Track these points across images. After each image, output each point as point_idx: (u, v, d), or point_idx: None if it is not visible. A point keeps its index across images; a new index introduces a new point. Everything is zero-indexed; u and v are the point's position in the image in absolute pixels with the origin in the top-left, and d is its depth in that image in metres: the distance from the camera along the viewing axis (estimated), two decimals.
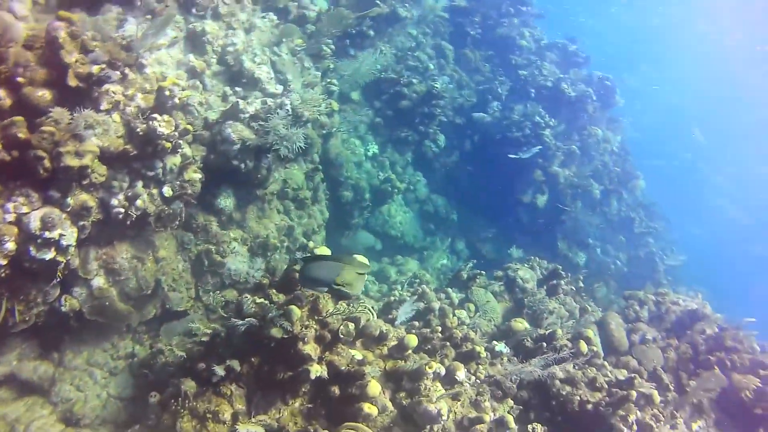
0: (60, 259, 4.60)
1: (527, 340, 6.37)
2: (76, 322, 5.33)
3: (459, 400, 4.79)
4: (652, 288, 9.36)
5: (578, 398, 5.75)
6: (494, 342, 6.11)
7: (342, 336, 4.61)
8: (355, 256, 5.46)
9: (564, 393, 5.77)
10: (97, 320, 5.35)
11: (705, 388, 7.01)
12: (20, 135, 4.23)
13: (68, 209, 4.58)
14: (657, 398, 5.95)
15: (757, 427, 6.92)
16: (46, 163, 4.35)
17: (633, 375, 6.13)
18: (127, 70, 4.93)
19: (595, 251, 13.37)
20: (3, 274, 4.35)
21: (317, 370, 4.32)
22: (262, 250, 6.50)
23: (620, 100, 14.56)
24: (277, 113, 5.88)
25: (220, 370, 4.43)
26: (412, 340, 4.89)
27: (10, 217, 4.31)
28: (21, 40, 4.45)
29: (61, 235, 4.48)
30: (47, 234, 4.40)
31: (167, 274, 5.76)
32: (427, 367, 4.60)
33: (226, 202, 6.22)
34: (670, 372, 7.24)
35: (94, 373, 5.56)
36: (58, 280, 4.84)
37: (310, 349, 4.39)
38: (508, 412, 5.26)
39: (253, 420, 4.36)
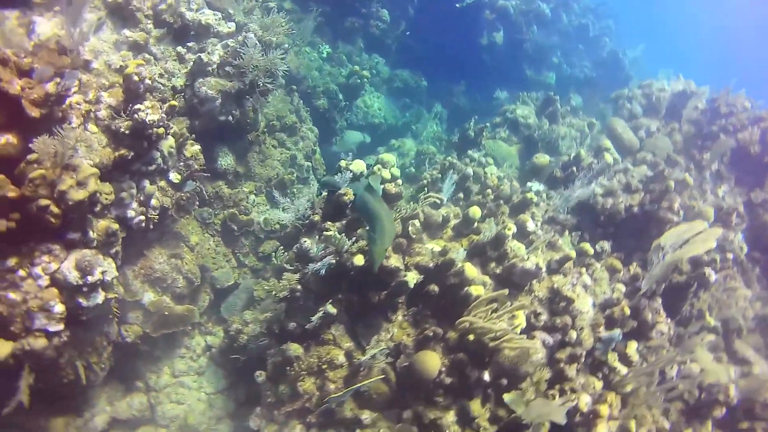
0: (110, 296, 4.42)
1: (557, 171, 6.57)
2: (144, 345, 5.29)
3: (538, 248, 5.02)
4: (636, 82, 9.55)
5: (623, 206, 6.11)
6: (528, 184, 6.29)
7: (414, 236, 4.68)
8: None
9: (609, 206, 6.11)
10: (164, 333, 5.31)
11: (717, 155, 7.52)
12: (10, 195, 3.70)
13: (95, 244, 4.28)
14: (690, 180, 6.37)
15: None
16: (53, 209, 3.88)
17: (660, 168, 6.50)
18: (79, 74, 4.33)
19: (561, 68, 13.47)
20: (65, 338, 4.14)
21: (413, 278, 4.42)
22: (279, 189, 6.35)
23: None
24: (248, 49, 5.39)
25: (317, 319, 4.51)
26: (476, 212, 5.00)
27: (44, 281, 3.97)
28: None
29: (103, 272, 4.21)
30: (90, 278, 4.11)
31: (206, 257, 5.66)
32: (506, 230, 4.74)
33: (227, 160, 5.97)
34: (683, 153, 7.68)
35: (183, 381, 5.62)
36: (117, 315, 4.74)
37: (395, 261, 4.45)
38: (578, 242, 5.60)
39: (368, 348, 4.53)
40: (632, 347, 5.25)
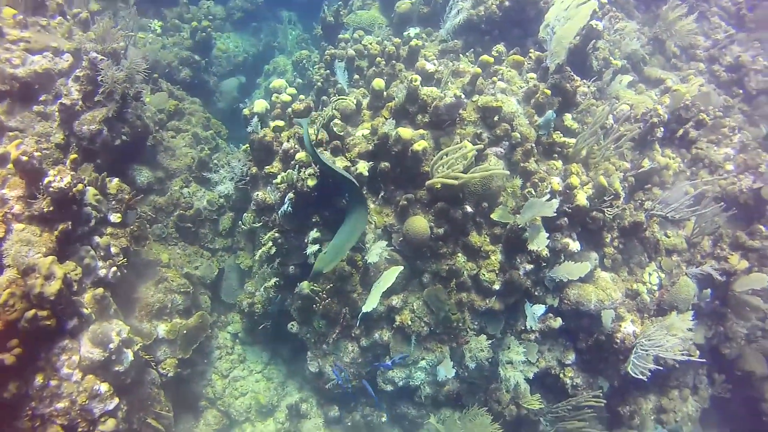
0: (136, 349, 4.69)
1: (422, 9, 6.63)
2: (185, 369, 5.47)
3: (447, 81, 5.25)
4: None
5: (494, 6, 6.31)
6: (405, 33, 6.31)
7: (342, 133, 4.83)
8: None
9: (483, 12, 6.32)
10: (193, 349, 5.48)
11: None
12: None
13: (93, 318, 4.43)
14: None
15: None
16: (42, 313, 3.95)
17: None
18: None
19: None
20: (125, 407, 4.44)
21: (364, 167, 4.67)
22: (203, 170, 6.31)
23: None
24: (102, 70, 5.19)
25: (311, 252, 4.72)
26: (379, 83, 5.18)
27: (77, 375, 4.18)
28: None
29: (118, 333, 4.44)
30: (111, 346, 4.35)
31: (182, 264, 5.74)
32: (413, 83, 4.93)
33: (144, 174, 5.85)
34: None
35: (235, 376, 5.88)
36: (150, 361, 4.99)
37: (341, 162, 4.60)
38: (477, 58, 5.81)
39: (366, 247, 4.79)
40: (568, 118, 5.74)
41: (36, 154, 4.42)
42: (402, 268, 4.72)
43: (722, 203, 6.23)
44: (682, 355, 5.25)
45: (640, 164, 6.07)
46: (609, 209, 5.45)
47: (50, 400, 4.03)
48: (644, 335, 5.34)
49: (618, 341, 5.40)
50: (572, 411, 5.41)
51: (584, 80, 6.08)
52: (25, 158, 4.30)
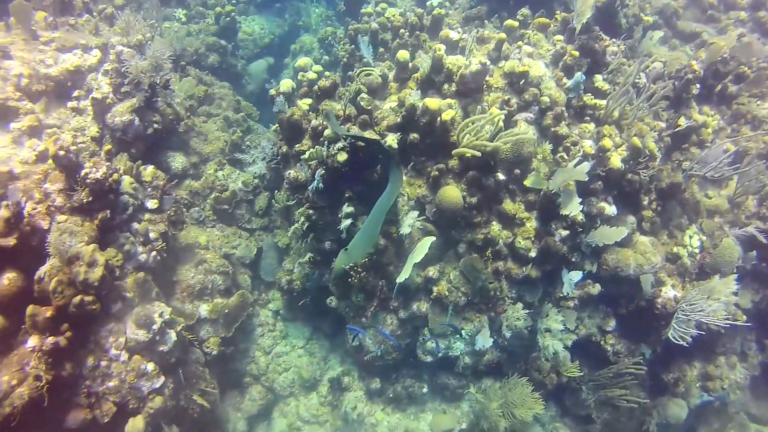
0: (179, 330, 4.88)
1: None
2: (228, 347, 5.63)
3: (472, 49, 5.15)
4: None
5: None
6: (428, 3, 6.19)
7: (369, 107, 4.82)
8: None
9: None
10: (235, 327, 5.63)
11: None
12: (49, 314, 3.97)
13: (136, 301, 4.64)
14: None
15: None
16: (87, 299, 4.17)
17: None
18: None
19: None
20: (171, 384, 4.67)
21: (393, 140, 4.65)
22: (235, 149, 6.40)
23: None
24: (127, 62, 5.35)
25: (344, 226, 4.75)
26: (403, 55, 5.15)
27: (124, 356, 4.42)
28: None
29: (160, 315, 4.65)
30: (155, 327, 4.58)
31: (221, 246, 5.87)
32: (437, 53, 4.86)
33: (178, 161, 6.00)
34: None
35: (277, 352, 6.03)
36: (193, 341, 5.16)
37: (370, 135, 4.59)
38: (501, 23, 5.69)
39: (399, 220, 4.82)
40: (598, 79, 5.56)
41: (72, 148, 4.63)
42: (434, 238, 4.71)
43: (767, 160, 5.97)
44: (725, 319, 5.10)
45: (676, 123, 5.86)
46: (644, 171, 5.30)
47: (102, 379, 4.27)
48: (685, 300, 5.21)
49: (659, 306, 5.29)
50: (613, 378, 5.36)
51: (613, 39, 5.88)
52: (62, 153, 4.51)
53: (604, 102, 5.41)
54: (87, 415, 4.14)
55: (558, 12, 5.85)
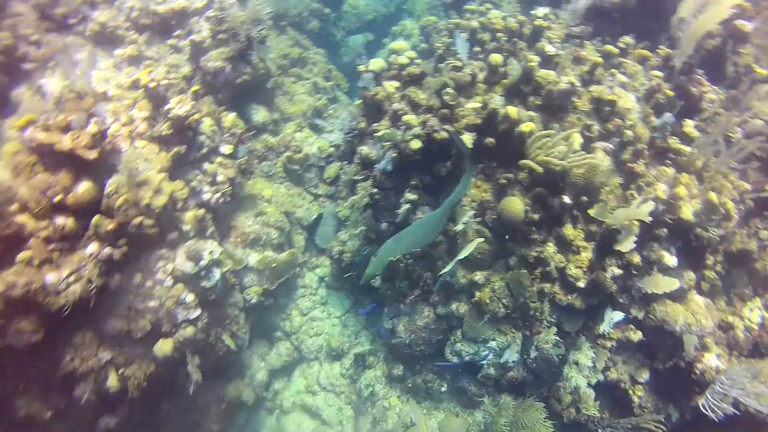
0: (224, 270, 5.07)
1: None
2: (268, 299, 5.80)
3: (566, 67, 5.09)
4: None
5: None
6: (532, 12, 6.09)
7: (452, 103, 4.85)
8: None
9: None
10: (279, 282, 5.78)
11: None
12: (110, 227, 4.20)
13: (192, 234, 4.83)
14: None
15: None
16: (147, 222, 4.42)
17: None
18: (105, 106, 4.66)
19: None
20: (206, 319, 4.83)
21: (468, 140, 4.63)
22: (317, 117, 6.52)
23: None
24: (227, 11, 5.55)
25: (403, 211, 4.80)
26: (497, 58, 5.09)
27: (169, 281, 4.62)
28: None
29: (210, 253, 4.81)
30: (202, 262, 4.76)
31: (284, 203, 6.01)
32: (529, 63, 4.83)
33: (260, 114, 6.21)
34: None
35: (314, 316, 6.19)
36: (236, 285, 5.33)
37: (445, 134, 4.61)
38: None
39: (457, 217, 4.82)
40: (689, 124, 5.35)
41: (163, 82, 4.90)
42: (482, 240, 4.73)
43: None
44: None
45: (764, 188, 5.56)
46: (716, 229, 5.07)
47: (144, 298, 4.48)
48: (727, 373, 4.96)
49: (697, 371, 5.05)
50: (631, 430, 5.17)
51: (715, 87, 5.64)
52: (153, 85, 4.81)
53: (689, 149, 5.22)
54: (124, 326, 4.40)
55: (661, 47, 5.66)
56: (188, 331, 4.63)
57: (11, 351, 3.92)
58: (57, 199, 4.06)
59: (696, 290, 5.24)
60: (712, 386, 4.91)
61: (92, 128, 4.27)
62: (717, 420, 4.74)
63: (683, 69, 5.34)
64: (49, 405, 4.28)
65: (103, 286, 4.15)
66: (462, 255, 4.50)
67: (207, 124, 5.20)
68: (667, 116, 5.16)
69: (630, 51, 5.77)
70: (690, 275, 5.19)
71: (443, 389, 5.48)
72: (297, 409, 5.90)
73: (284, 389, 5.99)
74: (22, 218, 3.97)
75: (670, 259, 4.98)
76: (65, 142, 4.11)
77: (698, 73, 5.36)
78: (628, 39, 5.75)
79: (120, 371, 4.37)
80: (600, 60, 5.24)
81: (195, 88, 5.46)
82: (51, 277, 3.93)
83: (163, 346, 4.49)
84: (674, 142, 5.21)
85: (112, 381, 4.32)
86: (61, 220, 4.06)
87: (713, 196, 5.01)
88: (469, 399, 5.48)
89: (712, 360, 5.07)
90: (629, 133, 4.98)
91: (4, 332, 3.80)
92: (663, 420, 5.08)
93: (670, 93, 5.24)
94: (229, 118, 5.42)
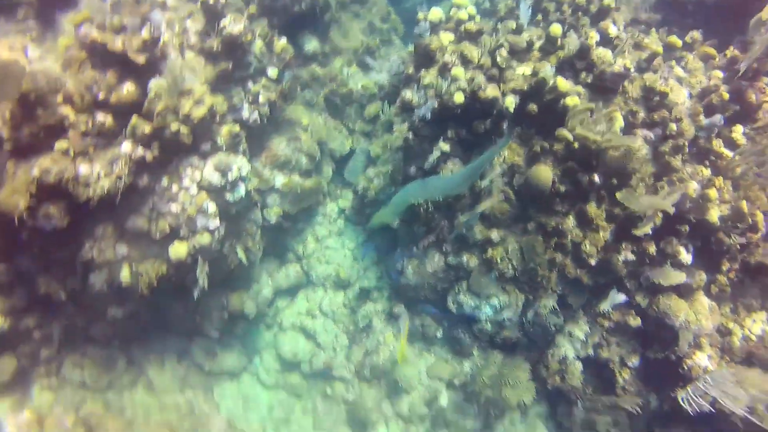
0: (250, 187, 5.19)
1: None
2: (287, 221, 5.96)
3: (625, 51, 5.06)
4: None
5: None
6: None
7: (503, 65, 4.90)
8: None
9: None
10: (301, 207, 5.93)
11: None
12: (147, 130, 4.37)
13: (224, 148, 4.94)
14: None
15: None
16: (183, 130, 4.53)
17: None
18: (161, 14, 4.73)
19: None
20: (223, 230, 4.94)
21: (511, 103, 4.73)
22: (368, 56, 6.62)
23: None
24: None
25: (434, 159, 4.93)
26: (557, 29, 5.04)
27: (194, 189, 4.75)
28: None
29: (238, 168, 4.91)
30: (230, 176, 4.85)
31: (319, 133, 6.10)
32: (589, 40, 4.81)
33: (312, 44, 6.30)
34: None
35: (328, 244, 6.35)
36: (258, 203, 5.47)
37: (492, 91, 4.77)
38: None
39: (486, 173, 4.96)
40: (738, 130, 5.27)
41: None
42: (497, 200, 4.86)
43: None
44: (743, 411, 4.97)
45: None
46: (739, 237, 5.11)
47: (168, 200, 4.65)
48: (713, 373, 5.12)
49: (686, 367, 5.23)
50: (609, 408, 5.41)
51: None
52: (211, 0, 4.84)
53: (731, 154, 5.19)
54: (144, 225, 4.60)
55: (730, 48, 5.54)
56: (205, 238, 4.74)
57: (38, 233, 4.22)
58: (101, 96, 4.24)
59: (704, 291, 5.35)
60: (696, 383, 5.10)
61: (145, 33, 4.38)
62: (691, 414, 4.96)
63: (747, 74, 5.23)
64: (65, 288, 4.67)
65: (131, 184, 4.36)
66: (481, 209, 4.64)
67: (258, 46, 5.29)
68: (717, 118, 5.11)
69: (695, 47, 5.66)
70: (702, 276, 5.26)
71: (438, 335, 5.75)
72: (295, 330, 6.14)
73: (286, 308, 6.23)
74: (65, 110, 4.19)
75: (686, 257, 5.05)
76: (117, 43, 4.25)
77: (762, 81, 5.24)
78: (696, 34, 5.63)
79: (134, 267, 4.59)
80: (660, 50, 5.18)
81: (252, 9, 5.50)
82: (84, 168, 4.16)
83: (179, 249, 4.60)
84: (718, 145, 5.18)
85: (125, 274, 4.54)
86: (101, 117, 4.27)
87: (744, 205, 5.02)
88: (461, 348, 5.75)
89: (702, 359, 5.22)
90: (673, 126, 4.97)
91: (34, 214, 4.08)
92: (640, 403, 5.32)
93: (726, 95, 5.17)
94: (281, 43, 5.50)
